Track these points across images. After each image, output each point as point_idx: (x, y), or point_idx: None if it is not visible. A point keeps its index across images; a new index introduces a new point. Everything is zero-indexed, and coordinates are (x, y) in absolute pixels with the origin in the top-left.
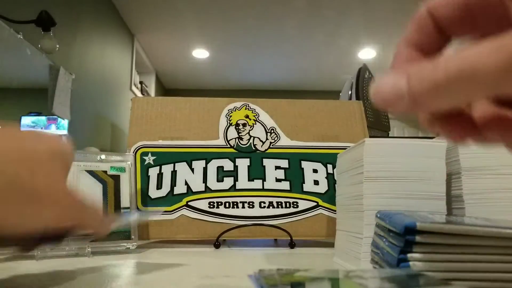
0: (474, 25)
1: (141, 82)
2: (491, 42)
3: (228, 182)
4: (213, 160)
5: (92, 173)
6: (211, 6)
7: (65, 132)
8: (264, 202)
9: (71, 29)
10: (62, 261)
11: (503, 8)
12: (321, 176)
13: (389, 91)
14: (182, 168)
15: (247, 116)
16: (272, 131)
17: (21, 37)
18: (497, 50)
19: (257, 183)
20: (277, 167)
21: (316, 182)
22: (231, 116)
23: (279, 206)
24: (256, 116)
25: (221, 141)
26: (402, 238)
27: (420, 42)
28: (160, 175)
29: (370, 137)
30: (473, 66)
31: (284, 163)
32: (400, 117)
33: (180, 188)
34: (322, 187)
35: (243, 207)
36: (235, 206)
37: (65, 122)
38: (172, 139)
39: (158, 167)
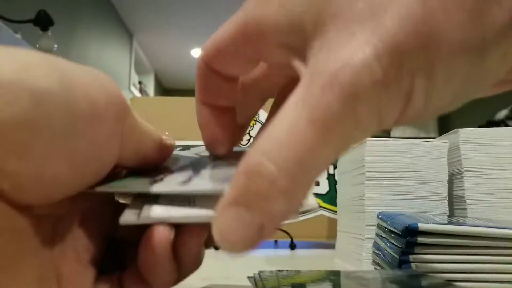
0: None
1: (140, 82)
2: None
3: None
4: None
5: None
6: (210, 5)
7: None
8: None
9: (69, 29)
10: None
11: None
12: (322, 176)
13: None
14: None
15: None
16: None
17: (19, 37)
18: (308, 123)
19: None
20: None
21: (316, 183)
22: None
23: None
24: (256, 116)
25: None
26: (403, 239)
27: (210, 95)
28: None
29: (372, 137)
30: (299, 161)
31: None
32: None
33: None
34: (323, 188)
35: None
36: None
37: None
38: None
39: None
